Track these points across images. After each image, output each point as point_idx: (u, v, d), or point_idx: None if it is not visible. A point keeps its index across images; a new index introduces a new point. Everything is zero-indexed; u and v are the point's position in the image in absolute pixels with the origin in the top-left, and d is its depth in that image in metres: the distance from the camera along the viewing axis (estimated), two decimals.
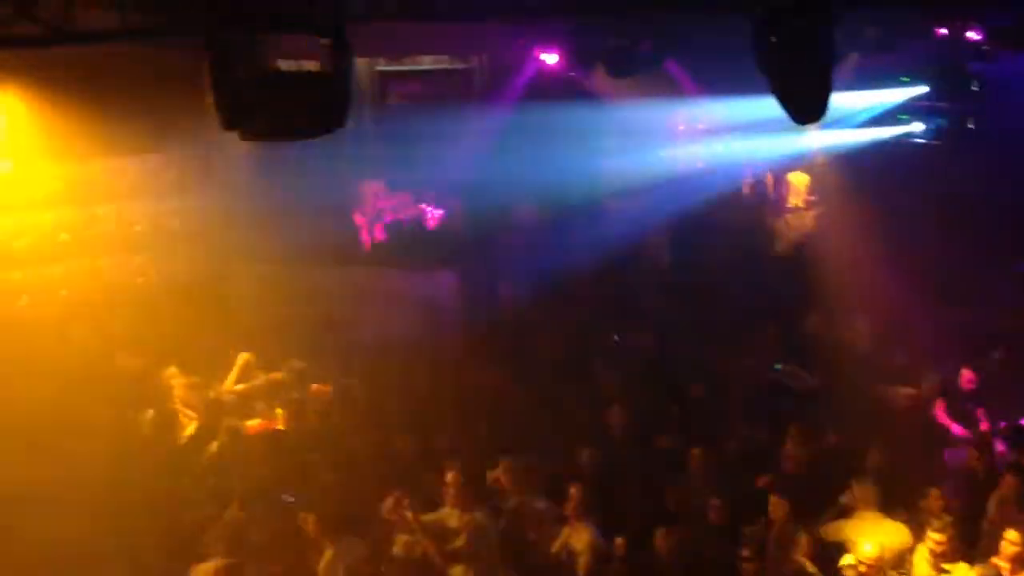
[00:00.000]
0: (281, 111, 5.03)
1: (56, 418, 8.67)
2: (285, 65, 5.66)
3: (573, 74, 12.03)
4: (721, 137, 13.32)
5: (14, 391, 9.03)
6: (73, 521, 7.27)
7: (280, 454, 8.51)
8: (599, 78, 11.73)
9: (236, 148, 10.38)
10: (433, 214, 12.63)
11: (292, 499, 7.71)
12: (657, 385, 9.73)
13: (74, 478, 7.72)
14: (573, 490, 7.36)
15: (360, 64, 11.92)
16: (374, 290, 11.48)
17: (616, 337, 11.03)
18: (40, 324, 10.14)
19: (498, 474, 7.74)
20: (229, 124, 4.89)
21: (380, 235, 12.42)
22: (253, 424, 9.02)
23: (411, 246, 12.22)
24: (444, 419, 9.08)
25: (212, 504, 7.82)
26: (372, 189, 12.66)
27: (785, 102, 5.30)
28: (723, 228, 12.89)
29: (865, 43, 10.02)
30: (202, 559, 6.98)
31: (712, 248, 12.68)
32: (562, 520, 7.42)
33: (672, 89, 12.39)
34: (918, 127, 13.04)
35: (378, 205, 12.56)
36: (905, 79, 12.71)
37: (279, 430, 8.97)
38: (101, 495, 7.65)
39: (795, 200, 13.48)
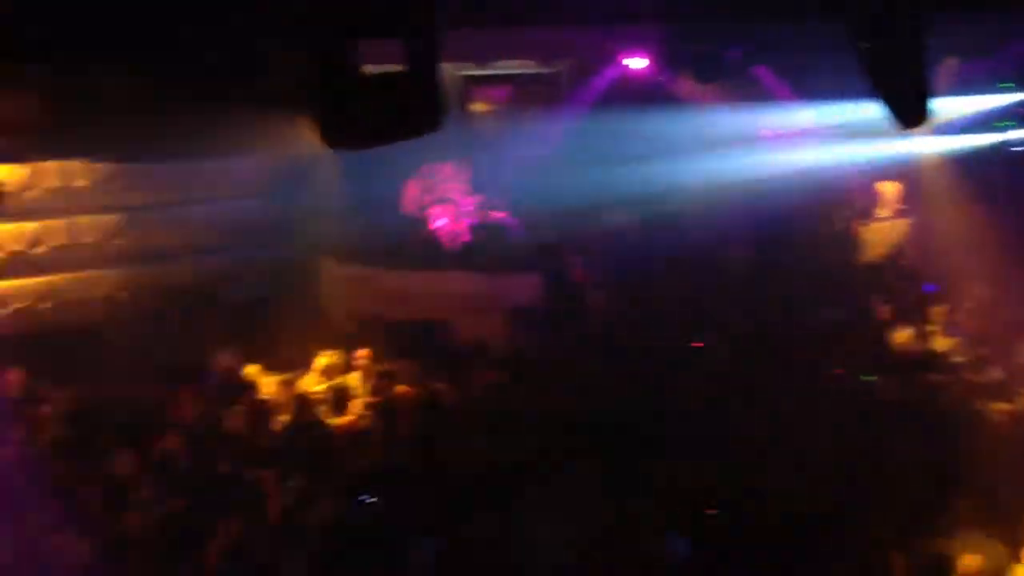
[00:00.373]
0: (374, 116, 5.04)
1: (150, 414, 9.01)
2: (371, 70, 5.69)
3: (659, 79, 11.96)
4: (808, 143, 13.08)
5: (112, 388, 9.39)
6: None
7: (365, 454, 8.62)
8: (685, 83, 11.64)
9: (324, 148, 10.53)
10: (514, 218, 12.67)
11: (373, 499, 7.78)
12: (740, 398, 9.56)
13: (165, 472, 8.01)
14: None
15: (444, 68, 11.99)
16: (459, 293, 11.55)
17: (697, 346, 10.88)
18: (136, 319, 10.51)
19: None
20: (326, 132, 4.90)
21: (464, 235, 12.47)
22: (340, 422, 9.16)
23: (495, 250, 12.27)
24: (531, 426, 9.04)
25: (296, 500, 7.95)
26: (454, 186, 12.66)
27: (889, 107, 5.19)
28: (809, 237, 12.67)
29: (962, 48, 9.78)
30: None
31: (797, 257, 12.45)
32: None
33: (759, 94, 12.24)
34: (1018, 134, 12.64)
35: (461, 204, 12.60)
36: (1005, 85, 12.34)
37: (366, 430, 9.07)
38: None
39: (884, 209, 13.18)
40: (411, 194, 12.49)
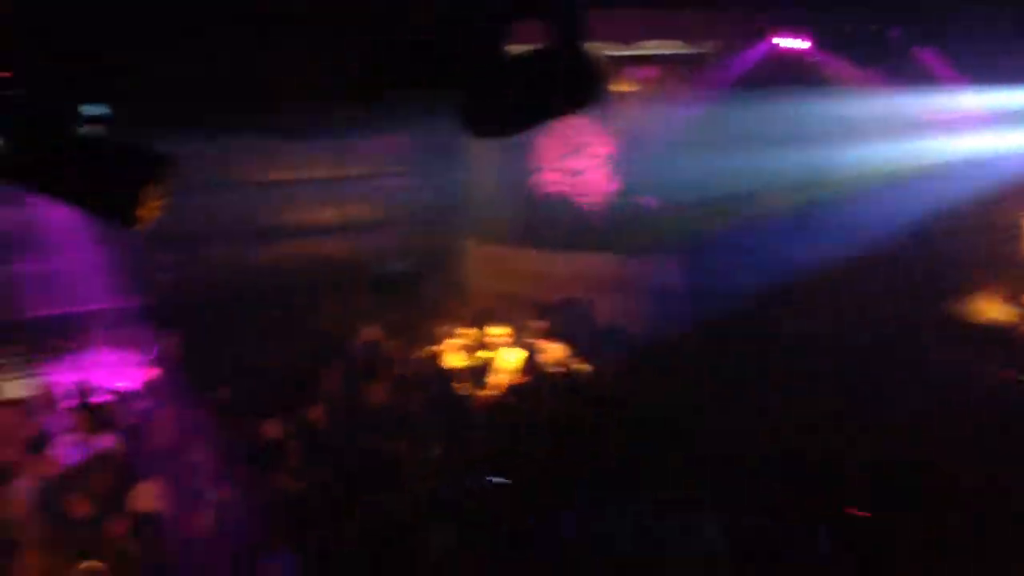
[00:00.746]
0: (521, 97, 5.02)
1: (299, 384, 9.39)
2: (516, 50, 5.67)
3: (814, 59, 11.54)
4: (976, 129, 12.38)
5: (265, 356, 9.82)
6: None
7: (505, 431, 8.72)
8: (842, 64, 11.20)
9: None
10: (657, 200, 12.48)
11: (502, 480, 7.85)
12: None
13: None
14: None
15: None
16: (599, 275, 11.51)
17: (857, 339, 10.47)
18: (297, 294, 10.94)
19: None
20: (474, 113, 4.91)
21: (602, 185, 12.17)
22: (482, 395, 9.28)
23: (636, 232, 12.14)
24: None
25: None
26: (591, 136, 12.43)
27: None
28: (978, 226, 12.00)
29: None
30: None
31: (966, 247, 11.82)
32: None
33: (923, 76, 11.66)
34: None
35: (599, 153, 12.35)
36: None
37: (508, 405, 9.18)
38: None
39: None
40: (548, 144, 12.42)
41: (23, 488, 7.52)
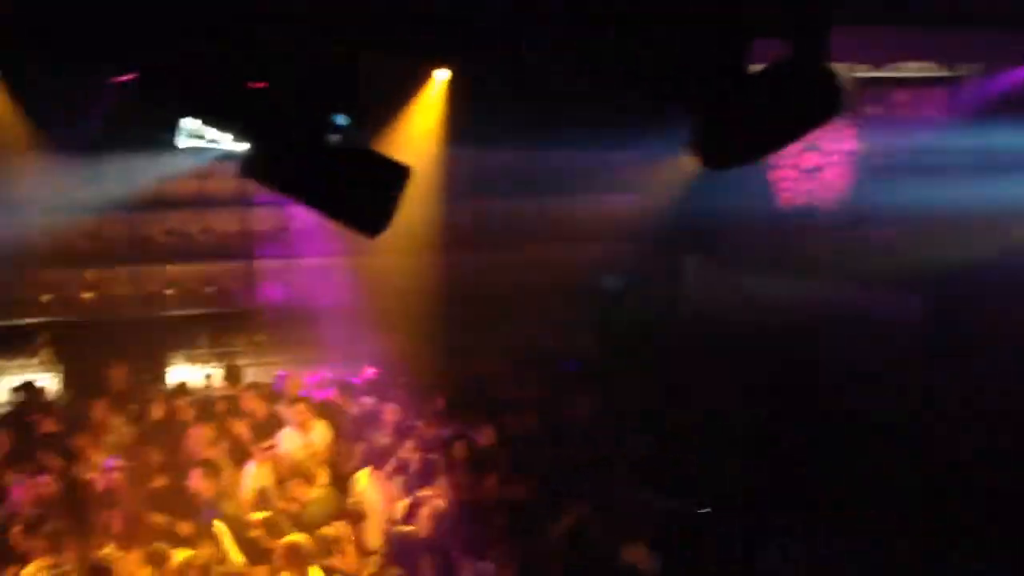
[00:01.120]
0: (764, 119, 4.84)
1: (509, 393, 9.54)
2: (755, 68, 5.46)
3: None
4: None
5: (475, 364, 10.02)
6: None
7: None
8: None
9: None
10: (895, 230, 11.66)
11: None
12: None
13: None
14: None
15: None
16: (828, 304, 10.93)
17: None
18: (495, 303, 11.10)
19: None
20: (711, 132, 4.75)
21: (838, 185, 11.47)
22: None
23: (870, 262, 11.45)
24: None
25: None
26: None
27: None
28: None
29: None
30: None
31: None
32: None
33: None
34: None
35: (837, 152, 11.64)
36: None
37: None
38: None
39: None
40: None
41: (250, 472, 8.01)
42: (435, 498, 7.14)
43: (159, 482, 7.76)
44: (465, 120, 9.15)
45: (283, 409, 9.26)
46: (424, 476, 7.75)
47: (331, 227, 10.49)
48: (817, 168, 11.77)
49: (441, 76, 8.75)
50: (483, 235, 11.77)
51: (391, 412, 9.19)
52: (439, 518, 6.77)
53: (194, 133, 5.26)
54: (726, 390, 9.67)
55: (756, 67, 5.08)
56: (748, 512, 7.52)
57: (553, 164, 11.74)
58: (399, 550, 6.48)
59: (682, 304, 11.97)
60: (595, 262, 11.82)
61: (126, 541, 6.69)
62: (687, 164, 11.55)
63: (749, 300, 11.29)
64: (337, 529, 6.94)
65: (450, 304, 10.73)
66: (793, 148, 11.19)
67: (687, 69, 4.82)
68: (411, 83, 8.07)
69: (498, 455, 8.39)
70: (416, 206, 10.69)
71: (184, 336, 11.30)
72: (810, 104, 4.76)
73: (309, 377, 10.24)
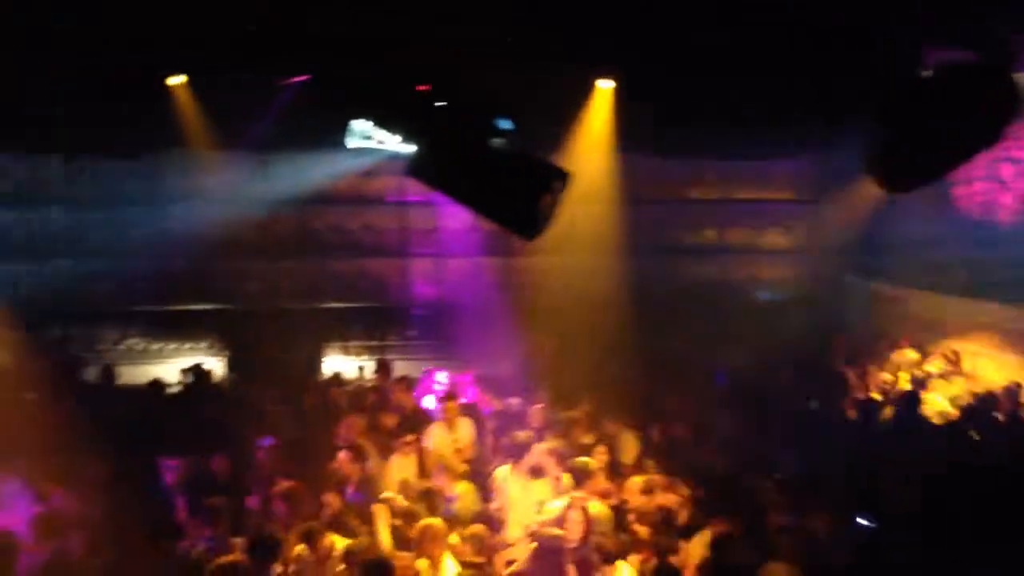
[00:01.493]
0: (947, 129, 4.61)
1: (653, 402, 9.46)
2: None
3: None
4: None
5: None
6: None
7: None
8: None
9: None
10: None
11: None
12: None
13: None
14: None
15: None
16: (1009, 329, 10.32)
17: None
18: (650, 310, 10.99)
19: None
20: (898, 157, 4.55)
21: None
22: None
23: None
24: None
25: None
26: None
27: None
28: None
29: None
30: None
31: None
32: None
33: None
34: None
35: None
36: None
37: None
38: None
39: None
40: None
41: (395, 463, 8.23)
42: (581, 502, 7.13)
43: (311, 464, 8.12)
44: (632, 130, 9.09)
45: (430, 405, 9.49)
46: (570, 479, 7.76)
47: (485, 228, 10.78)
48: (1013, 178, 10.93)
49: (606, 85, 8.74)
50: (637, 242, 11.67)
51: (537, 413, 9.26)
52: (586, 523, 6.76)
53: (364, 134, 5.45)
54: None
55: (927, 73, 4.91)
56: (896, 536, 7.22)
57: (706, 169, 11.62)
58: (543, 552, 6.49)
59: (847, 324, 11.55)
60: (756, 276, 11.62)
61: (283, 519, 7.01)
62: (862, 184, 11.24)
63: (916, 322, 10.83)
64: (477, 528, 7.04)
65: (605, 309, 10.73)
66: (983, 160, 10.48)
67: (866, 80, 4.70)
68: (580, 91, 8.07)
69: (643, 463, 8.36)
70: (585, 210, 10.92)
71: (340, 328, 11.69)
72: (994, 111, 4.54)
73: (457, 375, 10.45)
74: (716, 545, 6.78)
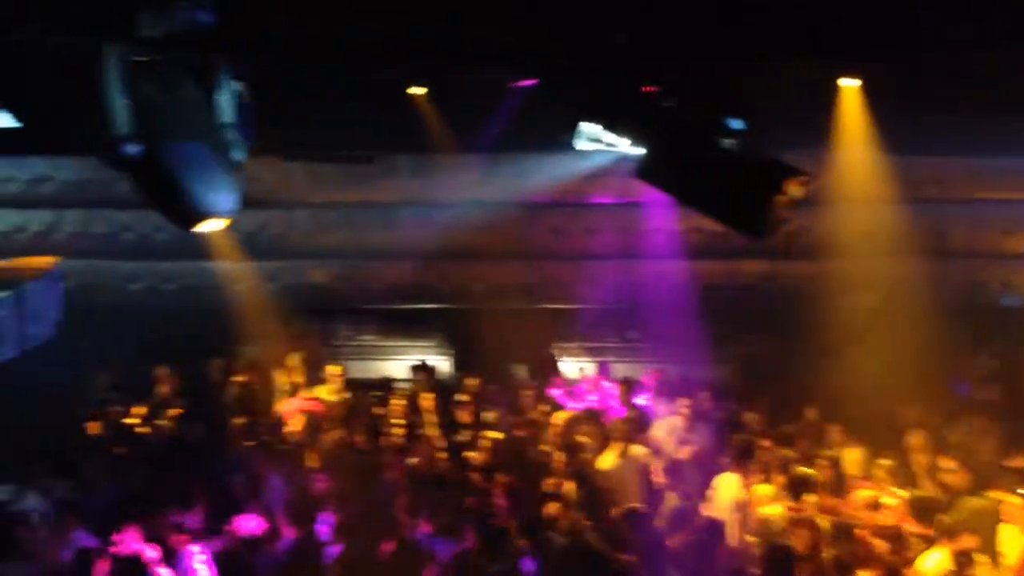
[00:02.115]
0: None
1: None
2: None
3: None
4: None
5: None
6: None
7: None
8: None
9: None
10: None
11: None
12: None
13: None
14: None
15: None
16: None
17: None
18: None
19: None
20: None
21: None
22: None
23: None
24: None
25: None
26: None
27: None
28: None
29: None
30: None
31: None
32: None
33: None
34: None
35: None
36: None
37: None
38: None
39: None
40: None
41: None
42: (809, 513, 6.98)
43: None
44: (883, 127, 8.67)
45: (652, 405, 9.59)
46: (791, 489, 7.58)
47: (710, 231, 10.62)
48: None
49: (850, 84, 8.38)
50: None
51: (752, 420, 9.12)
52: (815, 535, 6.60)
53: (592, 136, 5.53)
54: None
55: None
56: None
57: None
58: (771, 559, 6.42)
59: None
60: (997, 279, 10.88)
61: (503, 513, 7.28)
62: None
63: None
64: None
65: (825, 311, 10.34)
66: None
67: None
68: (819, 89, 7.78)
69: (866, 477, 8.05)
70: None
71: (560, 329, 11.85)
72: None
73: (676, 378, 10.42)
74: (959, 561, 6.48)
